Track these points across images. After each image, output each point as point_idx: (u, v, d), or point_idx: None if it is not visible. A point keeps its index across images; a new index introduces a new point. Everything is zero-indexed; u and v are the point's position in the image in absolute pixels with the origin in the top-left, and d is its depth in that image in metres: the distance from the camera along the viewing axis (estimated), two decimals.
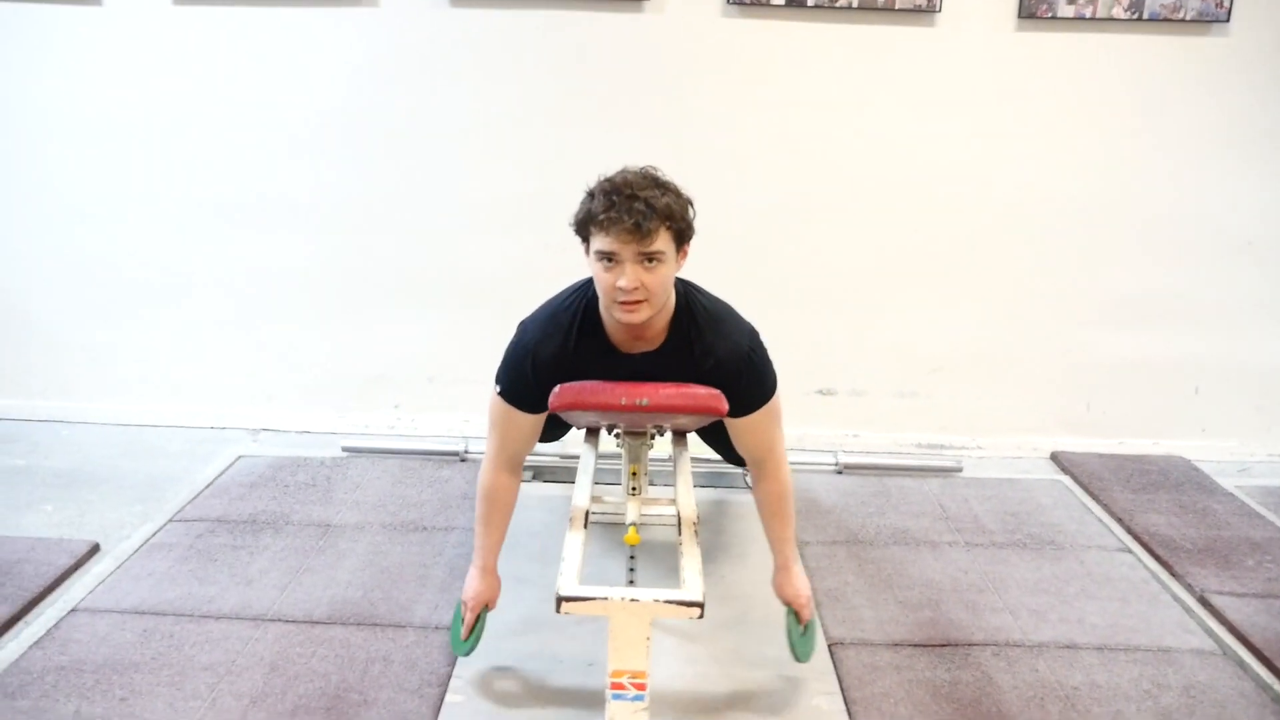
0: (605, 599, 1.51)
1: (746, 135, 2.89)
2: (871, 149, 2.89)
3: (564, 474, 2.78)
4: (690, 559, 1.64)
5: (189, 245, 3.02)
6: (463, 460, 2.90)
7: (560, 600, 1.52)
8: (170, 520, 2.49)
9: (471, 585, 1.90)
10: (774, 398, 1.82)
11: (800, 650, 1.91)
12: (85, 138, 2.93)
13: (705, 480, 2.77)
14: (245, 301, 3.07)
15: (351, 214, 2.98)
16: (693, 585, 1.55)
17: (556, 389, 1.71)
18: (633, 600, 1.50)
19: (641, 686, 1.55)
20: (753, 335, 1.78)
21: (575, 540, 1.70)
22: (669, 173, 1.70)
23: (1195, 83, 2.83)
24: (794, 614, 1.93)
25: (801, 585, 1.93)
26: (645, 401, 1.65)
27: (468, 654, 1.89)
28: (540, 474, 2.81)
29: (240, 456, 2.89)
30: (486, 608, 1.92)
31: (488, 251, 2.99)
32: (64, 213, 3.00)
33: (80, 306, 3.09)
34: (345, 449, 2.94)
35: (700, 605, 1.51)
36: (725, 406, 1.70)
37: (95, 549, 2.35)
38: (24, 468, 2.82)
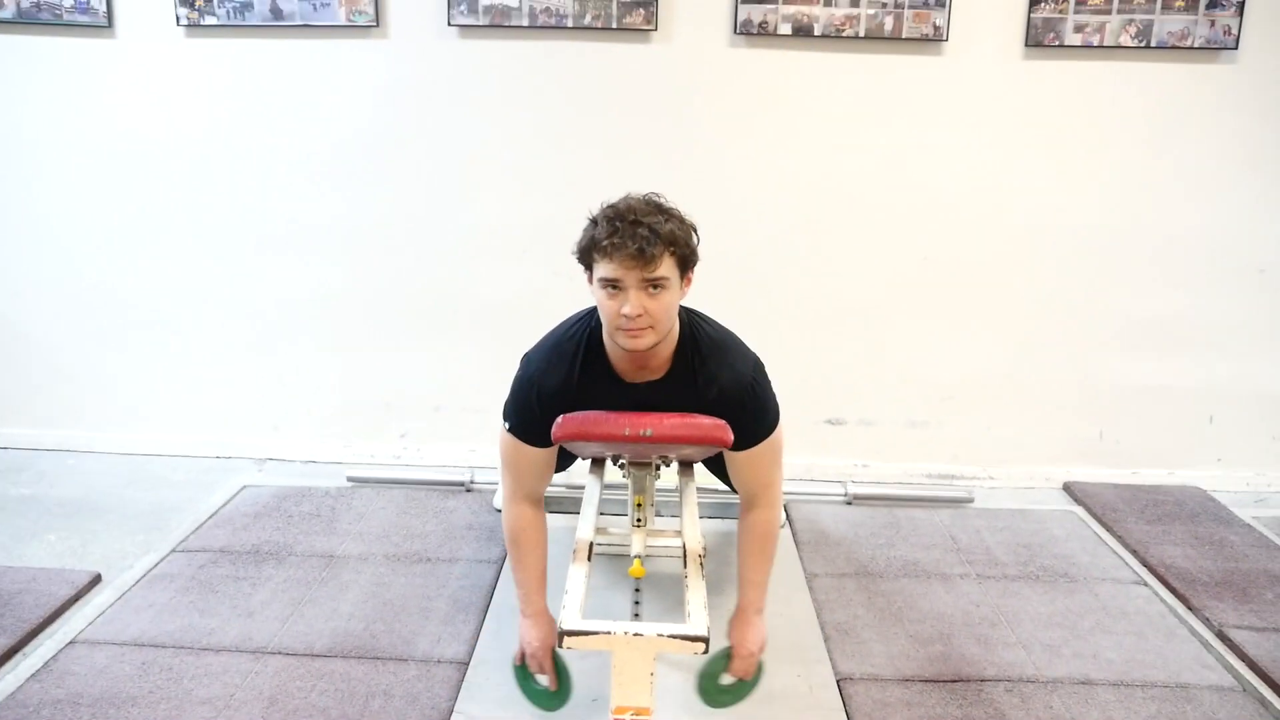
0: (609, 633, 1.48)
1: (754, 164, 2.89)
2: (880, 177, 2.89)
3: (569, 504, 2.74)
4: (695, 592, 1.61)
5: (196, 273, 3.03)
6: (468, 490, 2.87)
7: (562, 634, 1.49)
8: (173, 550, 2.47)
9: (531, 634, 1.80)
10: (776, 432, 1.79)
11: (712, 696, 1.80)
12: (94, 166, 2.95)
13: (712, 511, 2.73)
14: (251, 330, 3.08)
15: (358, 241, 2.99)
16: (698, 619, 1.52)
17: (559, 419, 1.69)
18: (636, 634, 1.47)
19: None
20: (757, 365, 1.76)
21: (579, 573, 1.68)
22: (676, 200, 1.69)
23: (1205, 110, 2.82)
24: (726, 657, 1.80)
25: (754, 638, 1.80)
26: (649, 432, 1.63)
27: (565, 703, 1.79)
28: (545, 504, 2.77)
29: (245, 486, 2.88)
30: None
31: (496, 279, 2.99)
32: (71, 240, 3.02)
33: (87, 334, 3.10)
34: (350, 479, 2.92)
35: (705, 640, 1.48)
36: (730, 438, 1.67)
37: (97, 579, 2.33)
38: (29, 497, 2.82)
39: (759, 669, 1.83)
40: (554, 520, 2.68)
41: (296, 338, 3.08)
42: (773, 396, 1.77)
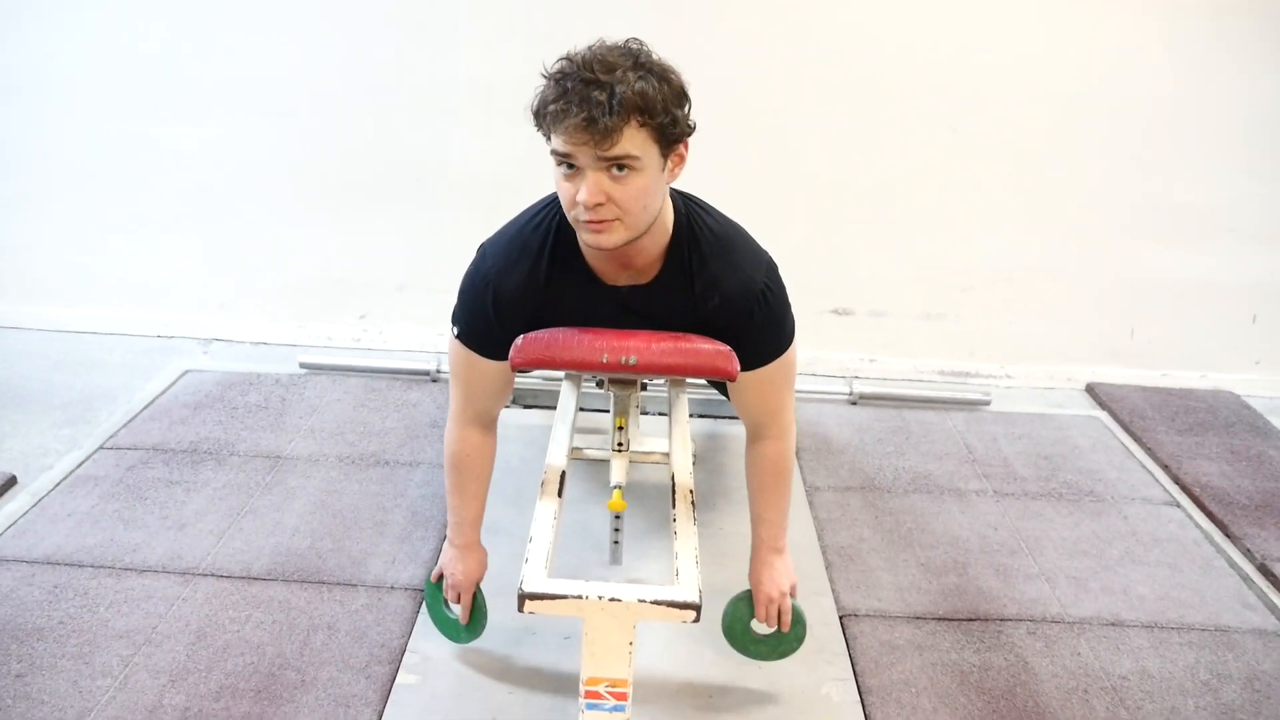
0: (580, 597, 1.23)
1: (756, 21, 2.48)
2: (898, 39, 2.50)
3: (548, 398, 2.48)
4: (685, 543, 1.35)
5: (136, 131, 2.65)
6: (434, 381, 2.60)
7: (523, 598, 1.24)
8: (100, 448, 2.21)
9: (455, 566, 1.59)
10: (789, 350, 1.49)
11: (745, 645, 1.59)
12: (6, 8, 2.53)
13: (699, 408, 2.48)
14: (199, 196, 2.72)
15: (312, 99, 2.60)
16: (688, 581, 1.27)
17: (519, 341, 1.38)
18: (613, 599, 1.22)
19: (623, 696, 1.28)
20: (770, 268, 1.43)
21: (546, 513, 1.41)
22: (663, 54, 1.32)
23: None
24: (749, 601, 1.58)
25: (773, 581, 1.55)
26: (633, 360, 1.33)
27: (474, 639, 1.63)
28: (520, 398, 2.52)
29: (187, 371, 2.59)
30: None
31: (470, 142, 2.62)
32: None
33: (13, 198, 2.74)
34: (303, 365, 2.64)
35: (696, 608, 1.23)
36: (736, 369, 1.37)
37: (11, 482, 2.07)
38: None
39: (800, 620, 1.57)
40: (529, 418, 2.46)
41: (248, 205, 2.73)
42: (788, 306, 1.46)
